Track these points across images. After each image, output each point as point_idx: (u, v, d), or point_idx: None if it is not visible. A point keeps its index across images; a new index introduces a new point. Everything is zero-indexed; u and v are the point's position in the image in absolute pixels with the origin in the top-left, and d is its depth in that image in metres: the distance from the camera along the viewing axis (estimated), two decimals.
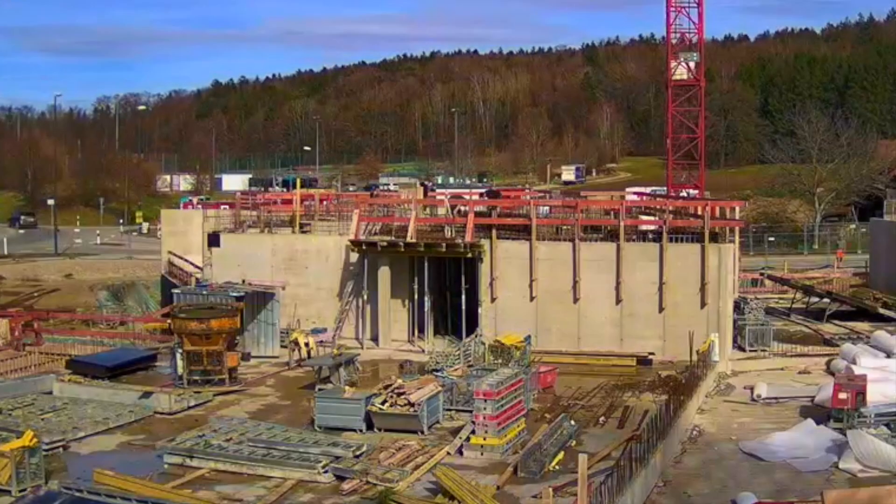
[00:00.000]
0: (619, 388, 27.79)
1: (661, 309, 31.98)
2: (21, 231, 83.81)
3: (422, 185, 51.14)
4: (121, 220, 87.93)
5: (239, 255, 36.73)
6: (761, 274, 47.07)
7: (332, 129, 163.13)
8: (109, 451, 21.83)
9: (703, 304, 31.60)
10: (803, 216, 75.98)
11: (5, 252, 64.90)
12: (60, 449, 21.57)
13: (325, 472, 19.69)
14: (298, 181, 67.76)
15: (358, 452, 20.71)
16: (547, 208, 37.57)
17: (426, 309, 33.95)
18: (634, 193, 56.56)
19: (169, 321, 30.87)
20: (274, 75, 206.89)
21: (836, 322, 37.45)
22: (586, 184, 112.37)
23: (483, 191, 64.61)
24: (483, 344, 30.01)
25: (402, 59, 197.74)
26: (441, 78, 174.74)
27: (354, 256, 34.84)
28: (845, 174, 78.02)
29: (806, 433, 22.08)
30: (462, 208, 37.19)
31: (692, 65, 61.84)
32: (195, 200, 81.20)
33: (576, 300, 32.75)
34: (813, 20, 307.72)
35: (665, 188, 66.06)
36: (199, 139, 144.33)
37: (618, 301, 32.35)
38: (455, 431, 22.46)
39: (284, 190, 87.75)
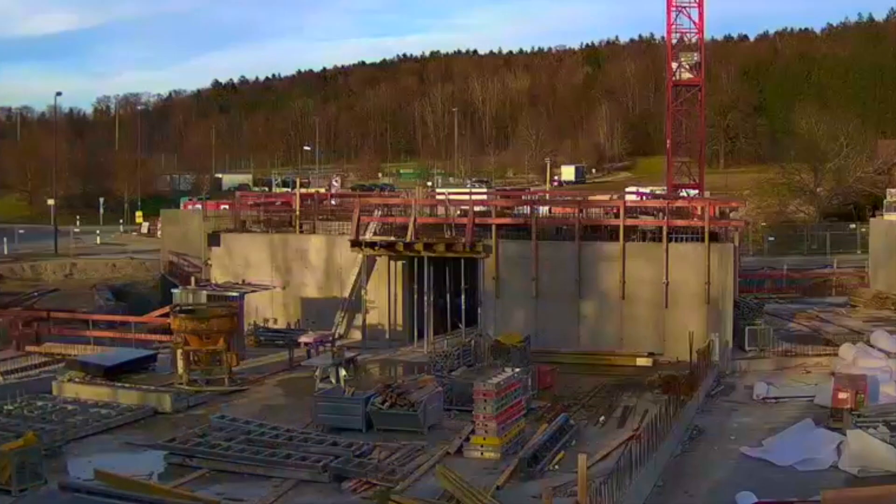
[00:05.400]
0: (619, 388, 27.79)
1: (661, 309, 31.99)
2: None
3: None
4: (121, 220, 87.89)
5: (239, 255, 36.75)
6: None
7: (332, 129, 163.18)
8: (109, 450, 21.82)
9: (703, 304, 31.61)
10: (803, 216, 76.00)
11: (5, 252, 64.88)
12: (60, 448, 21.56)
13: (325, 472, 19.68)
14: (298, 181, 67.75)
15: (358, 452, 20.71)
16: (547, 208, 37.59)
17: (426, 308, 33.94)
18: (634, 193, 56.52)
19: (169, 321, 30.87)
20: (274, 75, 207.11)
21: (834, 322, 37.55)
22: (586, 184, 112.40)
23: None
24: (483, 343, 30.00)
25: (402, 59, 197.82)
26: (441, 78, 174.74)
27: (354, 256, 34.83)
28: (845, 174, 78.03)
29: (806, 433, 22.05)
30: (463, 208, 37.19)
31: (692, 65, 61.80)
32: (195, 200, 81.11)
33: (576, 300, 32.76)
34: (813, 20, 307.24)
35: (665, 188, 66.01)
36: (199, 139, 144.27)
37: (618, 301, 32.35)
38: (455, 431, 22.45)
39: (287, 190, 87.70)
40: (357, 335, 34.43)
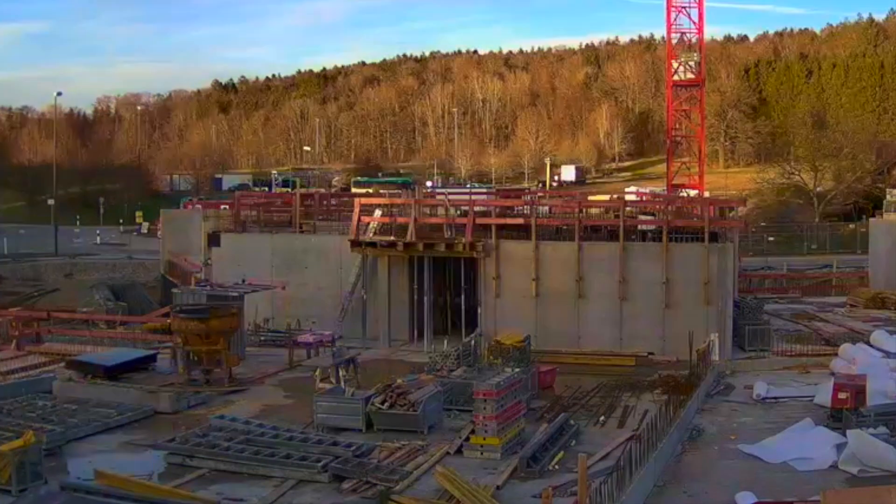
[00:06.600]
0: (619, 387, 27.78)
1: (661, 309, 31.99)
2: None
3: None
4: (121, 220, 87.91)
5: (239, 255, 36.76)
6: None
7: (332, 129, 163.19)
8: (109, 450, 21.82)
9: (703, 304, 31.61)
10: (803, 216, 76.09)
11: (5, 252, 64.94)
12: (60, 448, 21.56)
13: (325, 472, 19.68)
14: (298, 181, 67.82)
15: (358, 452, 20.71)
16: (547, 208, 37.65)
17: (426, 309, 33.95)
18: (634, 193, 56.61)
19: (169, 321, 30.88)
20: (274, 75, 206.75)
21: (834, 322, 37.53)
22: (586, 184, 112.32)
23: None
24: (483, 343, 30.01)
25: (402, 58, 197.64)
26: (441, 78, 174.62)
27: (354, 256, 34.84)
28: (845, 174, 78.14)
29: (805, 433, 22.05)
30: (463, 208, 37.22)
31: (692, 65, 61.86)
32: (195, 200, 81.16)
33: (576, 300, 32.76)
34: (813, 20, 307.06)
35: (665, 188, 66.09)
36: (199, 139, 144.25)
37: (618, 301, 32.36)
38: (455, 431, 22.46)
39: (287, 190, 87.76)
40: (357, 335, 34.43)
